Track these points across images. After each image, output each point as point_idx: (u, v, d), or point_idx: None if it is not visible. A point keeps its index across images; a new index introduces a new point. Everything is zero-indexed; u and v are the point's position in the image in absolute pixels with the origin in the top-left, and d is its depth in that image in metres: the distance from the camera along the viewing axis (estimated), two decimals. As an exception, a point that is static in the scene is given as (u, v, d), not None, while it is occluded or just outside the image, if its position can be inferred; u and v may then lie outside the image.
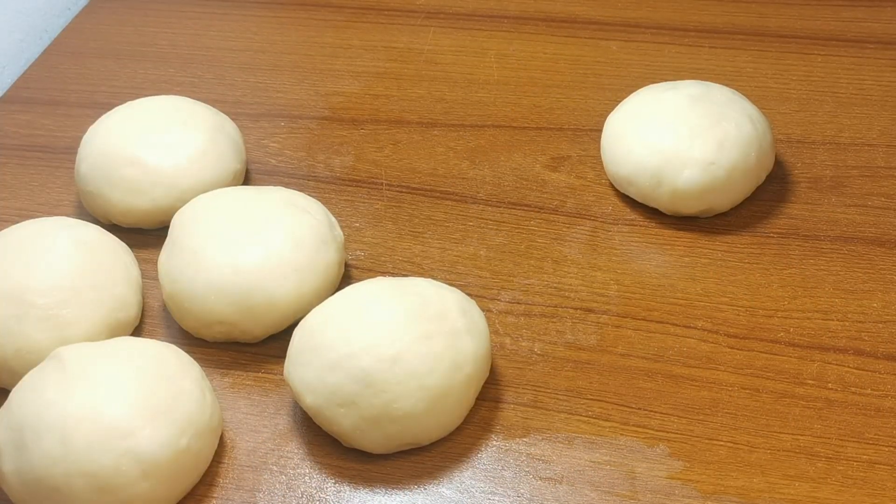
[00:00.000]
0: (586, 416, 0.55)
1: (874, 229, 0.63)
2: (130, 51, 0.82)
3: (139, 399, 0.50)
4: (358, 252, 0.64)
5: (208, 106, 0.69)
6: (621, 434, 0.54)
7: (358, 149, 0.71)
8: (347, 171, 0.70)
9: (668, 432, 0.53)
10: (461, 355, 0.53)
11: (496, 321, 0.59)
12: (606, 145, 0.66)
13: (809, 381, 0.55)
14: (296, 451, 0.55)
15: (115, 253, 0.60)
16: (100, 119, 0.68)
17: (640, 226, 0.64)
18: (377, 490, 0.53)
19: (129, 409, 0.50)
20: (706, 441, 0.53)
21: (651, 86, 0.67)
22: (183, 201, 0.63)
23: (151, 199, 0.64)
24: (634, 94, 0.67)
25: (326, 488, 0.53)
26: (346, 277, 0.62)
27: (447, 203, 0.67)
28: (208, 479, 0.53)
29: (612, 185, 0.66)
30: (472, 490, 0.52)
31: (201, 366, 0.55)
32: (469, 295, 0.57)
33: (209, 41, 0.82)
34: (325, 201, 0.64)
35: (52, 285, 0.57)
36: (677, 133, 0.62)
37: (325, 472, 0.54)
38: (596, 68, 0.76)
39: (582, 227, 0.64)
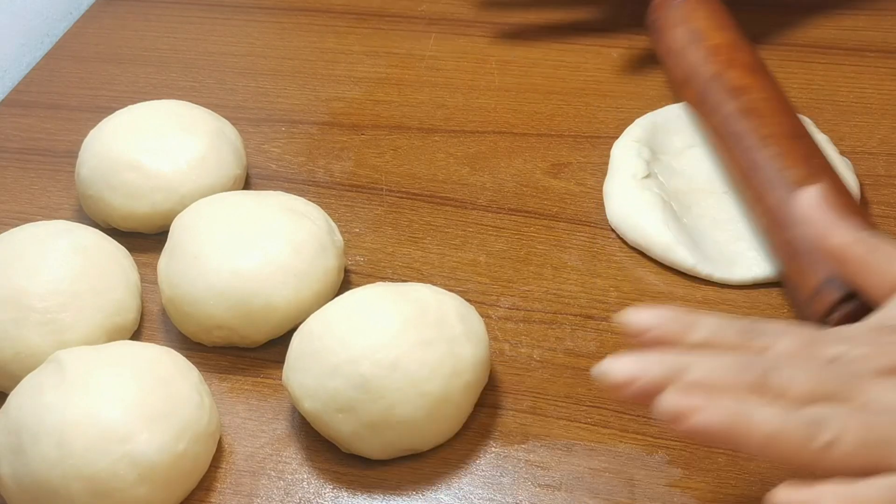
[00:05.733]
0: (585, 423, 0.54)
1: (874, 238, 0.63)
2: (132, 55, 0.82)
3: (137, 403, 0.50)
4: (358, 257, 0.64)
5: (209, 111, 0.69)
6: (620, 441, 0.54)
7: (358, 154, 0.71)
8: (348, 176, 0.70)
9: (667, 440, 0.53)
10: (460, 362, 0.52)
11: (495, 327, 0.59)
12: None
13: (809, 390, 0.55)
14: (294, 456, 0.54)
15: (115, 257, 0.60)
16: (101, 123, 0.67)
17: (640, 233, 0.64)
18: (375, 496, 0.53)
19: (127, 413, 0.50)
20: (705, 449, 0.53)
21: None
22: (183, 206, 0.63)
23: (151, 204, 0.64)
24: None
25: (324, 494, 0.53)
26: (345, 283, 0.62)
27: (447, 209, 0.67)
28: (206, 483, 0.53)
29: (612, 192, 0.66)
30: (471, 496, 0.52)
31: (200, 370, 0.55)
32: (468, 301, 0.57)
33: (211, 46, 0.82)
34: (325, 206, 0.64)
35: (51, 289, 0.57)
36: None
37: (323, 478, 0.53)
38: (597, 75, 0.76)
39: (582, 234, 0.64)
